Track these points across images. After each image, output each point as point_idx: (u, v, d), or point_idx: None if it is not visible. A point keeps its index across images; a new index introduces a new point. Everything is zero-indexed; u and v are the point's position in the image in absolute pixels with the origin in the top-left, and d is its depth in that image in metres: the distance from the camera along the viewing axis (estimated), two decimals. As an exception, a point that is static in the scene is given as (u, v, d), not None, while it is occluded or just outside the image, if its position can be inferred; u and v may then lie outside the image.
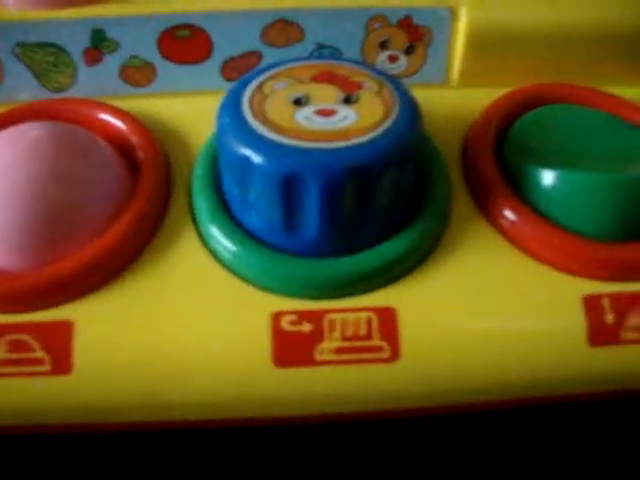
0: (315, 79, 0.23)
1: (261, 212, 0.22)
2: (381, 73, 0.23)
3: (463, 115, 0.28)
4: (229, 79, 0.28)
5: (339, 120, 0.21)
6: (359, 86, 0.22)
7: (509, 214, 0.23)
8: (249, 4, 0.26)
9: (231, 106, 0.22)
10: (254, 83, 0.22)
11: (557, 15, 0.27)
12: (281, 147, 0.20)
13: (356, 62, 0.24)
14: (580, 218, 0.23)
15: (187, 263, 0.23)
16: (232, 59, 0.27)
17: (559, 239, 0.23)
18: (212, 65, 0.28)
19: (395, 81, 0.23)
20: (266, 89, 0.22)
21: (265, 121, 0.21)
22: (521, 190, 0.24)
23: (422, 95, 0.28)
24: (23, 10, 0.27)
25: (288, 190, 0.20)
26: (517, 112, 0.27)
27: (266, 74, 0.23)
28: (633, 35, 0.28)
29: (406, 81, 0.28)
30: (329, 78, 0.23)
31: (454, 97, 0.29)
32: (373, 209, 0.21)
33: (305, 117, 0.21)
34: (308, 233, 0.21)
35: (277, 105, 0.21)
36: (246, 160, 0.20)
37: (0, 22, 0.26)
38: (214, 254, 0.23)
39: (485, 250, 0.23)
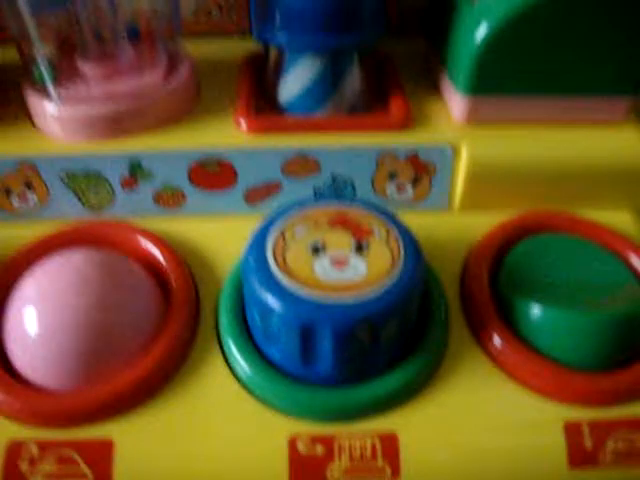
0: (331, 224, 0.26)
1: (280, 346, 0.25)
2: (389, 216, 0.26)
3: (464, 237, 0.31)
4: (251, 204, 0.31)
5: (351, 272, 0.24)
6: (369, 233, 0.25)
7: (499, 343, 0.26)
8: (272, 142, 0.30)
9: (256, 249, 0.25)
10: (278, 226, 0.25)
11: (545, 152, 0.31)
12: (299, 299, 0.23)
13: (366, 204, 0.27)
14: (563, 349, 0.26)
15: (214, 385, 0.26)
16: (254, 187, 0.31)
17: (543, 368, 0.26)
18: (236, 192, 0.31)
19: (400, 226, 0.26)
20: (287, 234, 0.25)
21: (286, 269, 0.24)
22: (512, 319, 0.27)
23: (426, 220, 0.31)
24: (71, 142, 0.30)
25: (305, 335, 0.23)
26: (511, 240, 0.30)
27: (288, 218, 0.26)
28: (610, 170, 0.31)
29: (412, 207, 0.32)
30: (343, 223, 0.26)
31: (455, 221, 0.32)
32: (379, 346, 0.24)
33: (322, 268, 0.24)
34: (322, 368, 0.24)
35: (297, 254, 0.24)
36: (267, 304, 0.23)
37: (50, 152, 0.30)
38: (237, 377, 0.26)
39: (478, 376, 0.26)
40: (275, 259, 0.24)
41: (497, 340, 0.26)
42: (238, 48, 0.38)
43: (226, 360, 0.26)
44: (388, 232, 0.26)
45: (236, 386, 0.26)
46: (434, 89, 0.34)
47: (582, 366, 0.26)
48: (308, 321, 0.23)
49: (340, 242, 0.25)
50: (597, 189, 0.32)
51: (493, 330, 0.27)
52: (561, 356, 0.26)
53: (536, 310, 0.26)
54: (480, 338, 0.27)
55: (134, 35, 0.33)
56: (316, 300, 0.23)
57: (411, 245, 0.25)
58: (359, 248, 0.25)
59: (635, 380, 0.26)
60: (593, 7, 0.28)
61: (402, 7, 0.39)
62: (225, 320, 0.27)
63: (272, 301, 0.23)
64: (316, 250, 0.25)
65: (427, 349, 0.26)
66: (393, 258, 0.25)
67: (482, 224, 0.31)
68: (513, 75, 0.30)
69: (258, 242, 0.25)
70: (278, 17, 0.30)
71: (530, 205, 0.32)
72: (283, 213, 0.26)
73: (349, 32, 0.29)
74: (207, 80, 0.35)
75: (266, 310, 0.24)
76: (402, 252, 0.25)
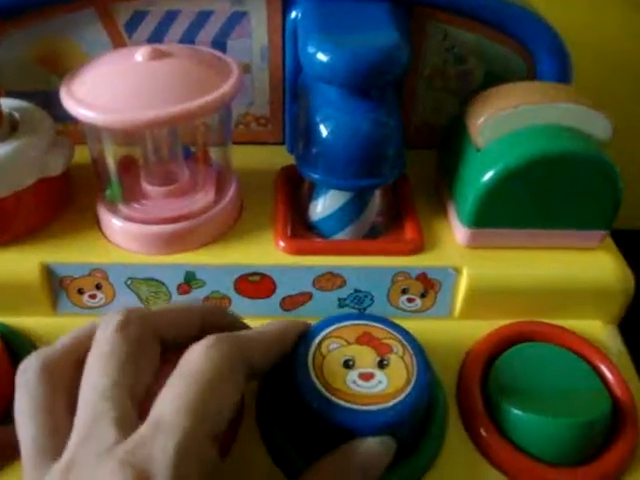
0: (358, 341, 0.31)
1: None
2: (403, 333, 0.32)
3: (462, 341, 0.37)
4: (286, 309, 0.37)
5: (376, 384, 0.30)
6: (390, 349, 0.31)
7: (487, 442, 0.32)
8: (305, 261, 0.36)
9: (302, 369, 0.30)
10: (316, 341, 0.31)
11: (532, 272, 0.37)
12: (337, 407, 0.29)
13: (387, 323, 0.32)
14: (540, 448, 0.32)
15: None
16: (289, 296, 0.37)
17: (522, 463, 0.31)
18: (274, 300, 0.37)
19: (413, 341, 0.32)
20: (324, 349, 0.31)
21: (325, 384, 0.29)
22: (499, 419, 0.33)
23: (431, 325, 0.37)
24: (136, 253, 0.36)
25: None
26: (501, 346, 0.36)
27: (323, 333, 0.31)
28: (586, 287, 0.37)
29: (419, 315, 0.37)
30: (368, 341, 0.31)
31: (455, 327, 0.38)
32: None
33: (353, 381, 0.30)
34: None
35: (332, 368, 0.30)
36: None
37: (117, 262, 0.36)
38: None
39: (469, 470, 0.32)
40: (316, 375, 0.30)
41: (485, 439, 0.32)
42: (275, 156, 0.44)
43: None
44: (404, 349, 0.31)
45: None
46: (442, 210, 0.40)
47: (556, 462, 0.32)
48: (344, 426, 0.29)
49: (367, 359, 0.30)
50: (575, 303, 0.38)
51: (483, 431, 0.32)
52: (539, 453, 0.32)
53: (516, 415, 0.32)
54: (472, 434, 0.33)
55: (187, 155, 0.39)
56: (350, 409, 0.29)
57: (422, 359, 0.31)
58: (381, 364, 0.30)
59: (599, 474, 0.31)
60: (570, 170, 0.35)
61: (418, 123, 0.46)
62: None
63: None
64: (347, 364, 0.30)
65: (428, 448, 0.31)
66: (408, 372, 0.30)
67: (478, 330, 0.37)
68: (508, 213, 0.36)
69: (302, 360, 0.31)
70: (314, 158, 0.36)
71: (519, 315, 0.38)
72: (321, 328, 0.32)
73: (374, 176, 0.36)
74: (247, 189, 0.41)
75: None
76: (415, 366, 0.30)
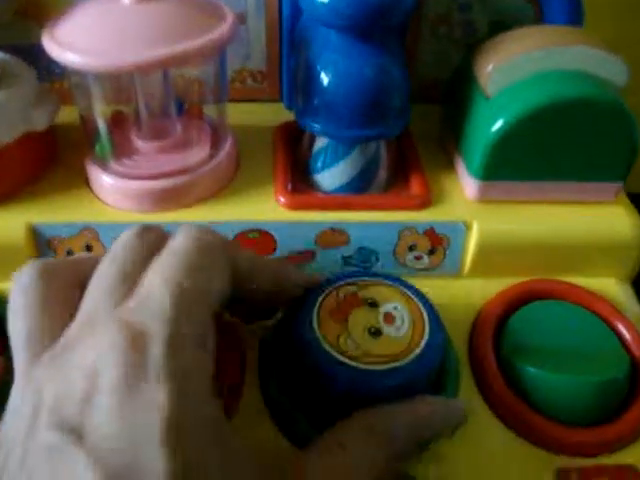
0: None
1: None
2: (418, 294, 0.30)
3: (472, 300, 0.35)
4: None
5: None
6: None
7: (501, 401, 0.31)
8: (307, 217, 0.34)
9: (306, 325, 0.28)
10: (326, 292, 0.29)
11: (544, 227, 0.36)
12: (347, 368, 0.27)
13: (398, 281, 0.30)
14: (556, 407, 0.30)
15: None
16: (291, 255, 0.35)
17: (538, 423, 0.30)
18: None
19: (427, 304, 0.30)
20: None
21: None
22: (513, 379, 0.31)
23: (440, 284, 0.36)
24: (127, 211, 0.34)
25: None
26: (513, 305, 0.34)
27: (333, 285, 0.30)
28: (600, 243, 0.36)
29: (427, 273, 0.36)
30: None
31: (465, 285, 0.36)
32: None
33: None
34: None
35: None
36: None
37: (108, 220, 0.34)
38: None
39: (482, 430, 0.30)
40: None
41: (499, 399, 0.31)
42: (272, 113, 0.42)
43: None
44: (417, 307, 0.29)
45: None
46: (449, 164, 0.39)
47: (572, 422, 0.30)
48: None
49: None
50: (589, 260, 0.36)
51: (495, 389, 0.31)
52: (554, 413, 0.30)
53: (533, 374, 0.31)
54: (484, 394, 0.31)
55: (180, 110, 0.37)
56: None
57: (434, 318, 0.29)
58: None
59: (617, 434, 0.30)
60: (584, 117, 0.33)
61: (421, 76, 0.44)
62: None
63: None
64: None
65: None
66: (421, 330, 0.29)
67: (488, 289, 0.35)
68: (519, 164, 0.34)
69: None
70: (315, 109, 0.34)
71: (531, 273, 0.36)
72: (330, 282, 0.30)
73: (378, 126, 0.34)
74: (244, 147, 0.39)
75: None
76: (427, 324, 0.29)
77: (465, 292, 0.36)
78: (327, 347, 0.27)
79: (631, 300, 0.37)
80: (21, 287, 0.24)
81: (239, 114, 0.41)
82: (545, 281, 0.36)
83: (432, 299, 0.30)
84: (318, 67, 0.33)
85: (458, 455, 0.29)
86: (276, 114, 0.42)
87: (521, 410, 0.30)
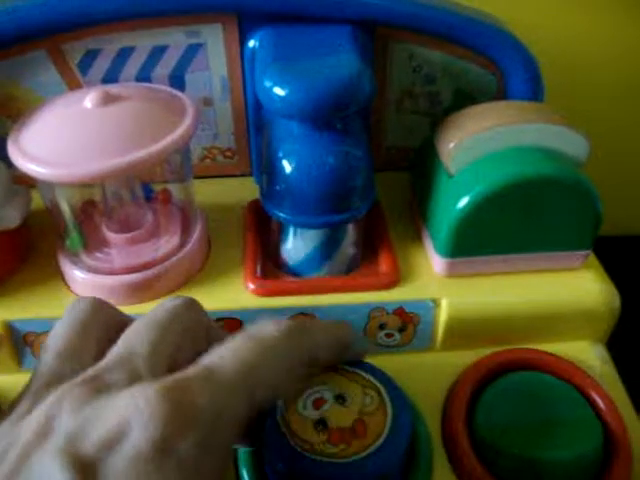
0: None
1: None
2: (381, 376, 0.30)
3: (445, 374, 0.35)
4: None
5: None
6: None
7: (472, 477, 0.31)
8: (276, 302, 0.34)
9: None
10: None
11: (514, 298, 0.36)
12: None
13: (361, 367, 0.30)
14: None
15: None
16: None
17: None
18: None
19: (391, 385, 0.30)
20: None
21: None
22: (487, 458, 0.31)
23: (412, 358, 0.36)
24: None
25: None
26: (486, 377, 0.35)
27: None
28: (571, 308, 0.36)
29: (398, 350, 0.36)
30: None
31: (437, 359, 0.36)
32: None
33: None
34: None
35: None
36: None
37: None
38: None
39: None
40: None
41: (471, 476, 0.31)
42: (243, 188, 0.43)
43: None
44: (379, 394, 0.29)
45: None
46: (417, 237, 0.39)
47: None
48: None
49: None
50: (561, 326, 0.37)
51: (469, 466, 0.31)
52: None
53: (506, 454, 0.31)
54: (458, 473, 0.31)
55: (149, 195, 0.37)
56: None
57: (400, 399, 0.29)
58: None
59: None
60: (547, 193, 0.33)
61: (389, 146, 0.44)
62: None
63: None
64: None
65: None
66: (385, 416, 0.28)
67: (461, 361, 0.36)
68: (485, 240, 0.35)
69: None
70: (279, 196, 0.34)
71: (504, 343, 0.36)
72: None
73: (345, 210, 0.34)
74: (216, 226, 0.40)
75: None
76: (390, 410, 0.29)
77: (438, 366, 0.36)
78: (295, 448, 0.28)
79: (604, 362, 0.37)
80: (77, 306, 0.26)
81: (211, 190, 0.42)
82: (518, 351, 0.36)
83: (404, 374, 0.30)
84: (280, 155, 0.33)
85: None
86: (248, 189, 0.42)
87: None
